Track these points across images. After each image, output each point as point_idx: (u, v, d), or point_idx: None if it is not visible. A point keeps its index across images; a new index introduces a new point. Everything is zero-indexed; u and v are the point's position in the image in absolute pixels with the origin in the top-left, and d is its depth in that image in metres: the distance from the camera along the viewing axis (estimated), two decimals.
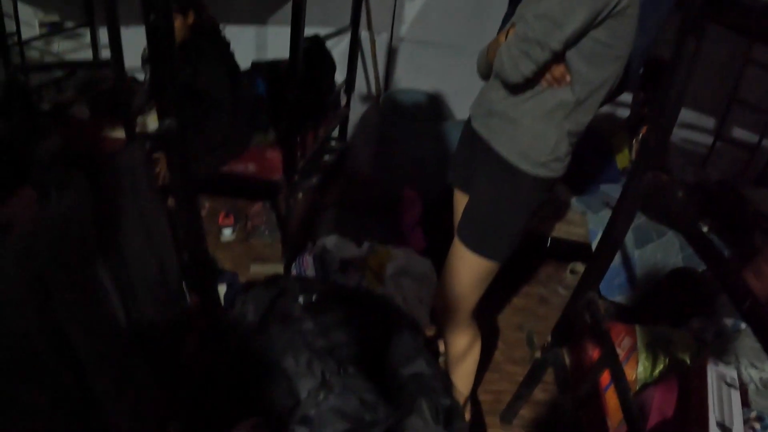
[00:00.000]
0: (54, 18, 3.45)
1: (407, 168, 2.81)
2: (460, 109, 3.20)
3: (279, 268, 2.32)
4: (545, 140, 1.36)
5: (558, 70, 1.30)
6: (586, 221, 2.33)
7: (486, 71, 1.48)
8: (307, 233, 2.45)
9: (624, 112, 3.09)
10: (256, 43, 3.42)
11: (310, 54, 2.34)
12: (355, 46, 3.07)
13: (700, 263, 2.37)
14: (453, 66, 3.17)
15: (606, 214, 2.06)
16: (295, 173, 2.14)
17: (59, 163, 2.43)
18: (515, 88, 1.35)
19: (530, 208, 1.45)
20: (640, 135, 2.72)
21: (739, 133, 3.58)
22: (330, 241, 2.12)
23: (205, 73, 2.14)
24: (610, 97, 1.51)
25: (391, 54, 3.36)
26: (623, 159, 2.68)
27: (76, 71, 3.29)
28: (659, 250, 2.36)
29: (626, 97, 3.00)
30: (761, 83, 3.29)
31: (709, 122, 3.54)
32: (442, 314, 1.71)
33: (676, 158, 3.20)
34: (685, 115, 3.46)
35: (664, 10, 1.86)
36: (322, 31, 2.68)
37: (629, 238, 2.30)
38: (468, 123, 1.56)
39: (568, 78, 1.31)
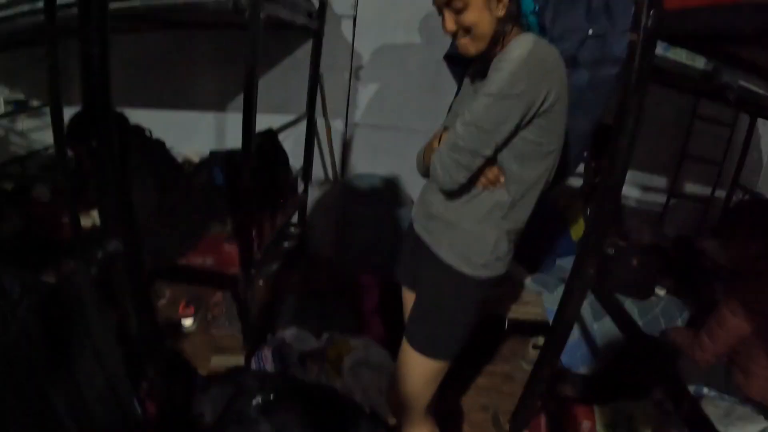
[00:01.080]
0: (19, 96, 3.48)
1: (366, 253, 2.85)
2: (417, 191, 3.24)
3: (240, 360, 2.29)
4: (484, 242, 1.39)
5: (492, 172, 1.35)
6: (542, 301, 2.36)
7: (424, 172, 1.52)
8: (268, 322, 2.43)
9: (577, 182, 3.17)
10: (216, 130, 3.48)
11: (263, 147, 2.38)
12: (311, 132, 3.14)
13: (659, 329, 2.40)
14: (408, 148, 3.22)
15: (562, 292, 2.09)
16: (252, 267, 2.14)
17: (20, 247, 2.40)
18: (452, 193, 1.38)
19: (475, 308, 1.46)
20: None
21: (693, 187, 3.68)
22: (289, 333, 2.12)
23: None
24: (551, 187, 1.55)
25: (347, 139, 3.43)
26: (578, 230, 2.70)
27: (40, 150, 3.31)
28: None
29: (579, 166, 3.08)
30: (709, 136, 3.42)
31: (662, 181, 3.63)
32: (396, 410, 1.69)
33: (631, 219, 3.27)
34: (638, 176, 3.56)
35: (606, 90, 1.94)
36: (279, 118, 2.74)
37: (587, 311, 2.32)
38: (411, 225, 1.59)
39: (502, 179, 1.35)
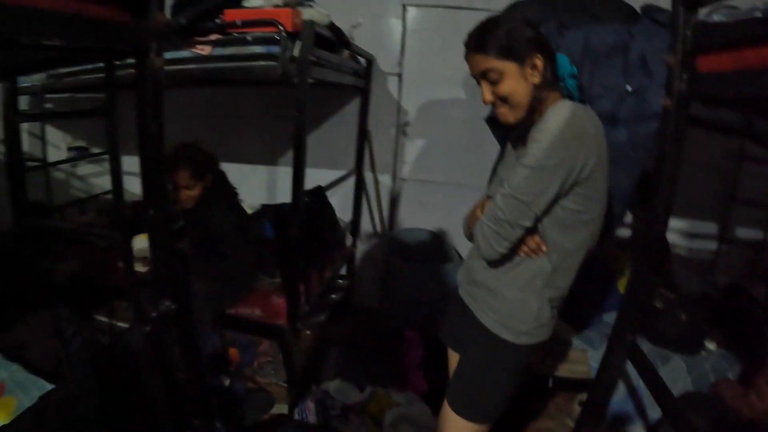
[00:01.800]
0: (80, 143, 3.71)
1: (411, 307, 2.88)
2: (464, 246, 3.19)
3: (284, 409, 2.34)
4: (527, 309, 1.40)
5: (533, 241, 1.37)
6: (587, 358, 2.31)
7: (470, 236, 1.53)
8: (313, 372, 2.48)
9: (625, 232, 3.11)
10: (267, 183, 3.61)
11: (312, 203, 2.48)
12: (360, 187, 3.27)
13: (708, 385, 2.31)
14: (454, 202, 3.26)
15: None
16: (298, 319, 2.21)
17: (75, 288, 2.50)
18: (494, 261, 1.41)
19: (517, 374, 1.47)
20: None
21: (744, 231, 3.50)
22: (333, 385, 2.17)
23: (217, 223, 2.27)
24: (596, 246, 1.55)
25: (395, 193, 3.52)
26: (626, 283, 2.64)
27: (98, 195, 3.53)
28: (665, 376, 2.29)
29: (626, 216, 3.02)
30: (759, 177, 3.27)
31: (712, 226, 3.50)
32: None
33: (681, 269, 3.17)
34: (687, 223, 3.45)
35: (646, 146, 1.92)
36: (328, 173, 2.84)
37: (632, 368, 2.26)
38: (456, 288, 1.62)
39: (543, 248, 1.37)
